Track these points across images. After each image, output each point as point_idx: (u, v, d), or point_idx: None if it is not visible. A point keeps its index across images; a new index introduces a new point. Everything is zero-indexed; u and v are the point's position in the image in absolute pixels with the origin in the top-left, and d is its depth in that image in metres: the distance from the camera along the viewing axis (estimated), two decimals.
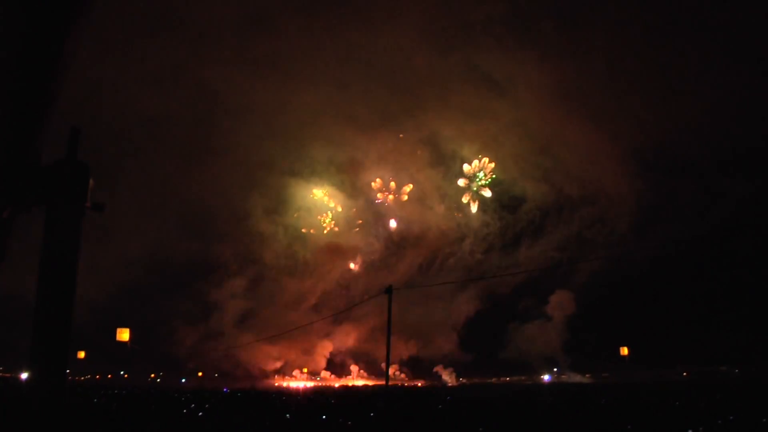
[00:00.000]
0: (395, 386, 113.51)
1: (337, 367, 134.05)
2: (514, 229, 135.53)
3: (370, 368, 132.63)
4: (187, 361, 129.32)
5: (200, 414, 52.20)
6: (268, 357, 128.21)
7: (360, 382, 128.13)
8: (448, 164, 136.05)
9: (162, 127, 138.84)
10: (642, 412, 50.49)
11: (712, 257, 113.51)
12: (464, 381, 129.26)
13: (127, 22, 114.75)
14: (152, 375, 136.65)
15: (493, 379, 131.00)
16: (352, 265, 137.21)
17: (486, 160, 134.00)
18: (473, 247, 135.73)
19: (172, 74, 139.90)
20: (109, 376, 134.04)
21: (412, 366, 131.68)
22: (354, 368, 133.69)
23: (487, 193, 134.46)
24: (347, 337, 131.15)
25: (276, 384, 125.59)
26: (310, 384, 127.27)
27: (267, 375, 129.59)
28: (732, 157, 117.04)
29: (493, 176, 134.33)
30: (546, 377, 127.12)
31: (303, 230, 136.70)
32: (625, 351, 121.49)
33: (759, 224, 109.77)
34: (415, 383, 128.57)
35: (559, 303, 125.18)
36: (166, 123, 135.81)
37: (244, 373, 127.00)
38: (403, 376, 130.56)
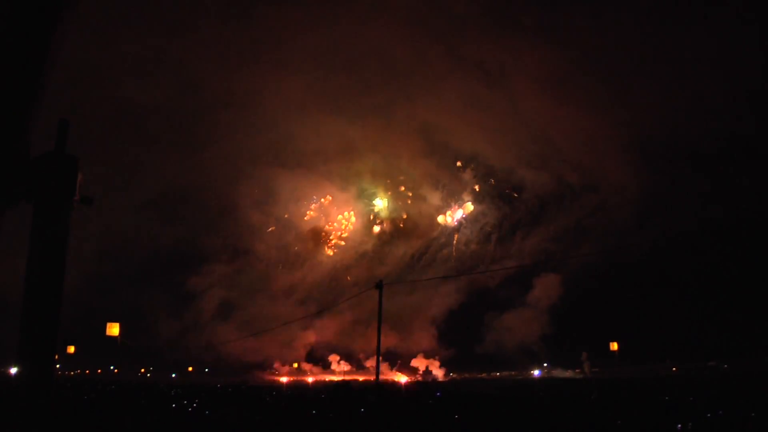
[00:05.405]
0: (385, 381, 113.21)
1: (317, 359, 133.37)
2: (510, 219, 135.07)
3: (351, 360, 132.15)
4: (172, 355, 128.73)
5: (190, 409, 52.06)
6: (249, 350, 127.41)
7: (340, 377, 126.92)
8: (441, 153, 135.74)
9: (145, 117, 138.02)
10: (632, 408, 50.68)
11: (705, 252, 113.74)
12: (454, 376, 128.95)
13: (111, 13, 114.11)
14: (142, 369, 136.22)
15: (483, 374, 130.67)
16: (330, 253, 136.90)
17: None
18: (467, 238, 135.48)
19: (156, 66, 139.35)
20: (99, 371, 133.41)
21: (391, 359, 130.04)
22: (334, 361, 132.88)
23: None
24: (328, 330, 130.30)
25: (267, 378, 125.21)
26: (293, 377, 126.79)
27: (249, 368, 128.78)
28: (734, 148, 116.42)
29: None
30: (536, 372, 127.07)
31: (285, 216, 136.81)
32: (614, 346, 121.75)
33: (755, 219, 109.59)
34: (404, 378, 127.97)
35: (547, 294, 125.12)
36: (149, 113, 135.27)
37: (226, 366, 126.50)
38: (394, 371, 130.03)
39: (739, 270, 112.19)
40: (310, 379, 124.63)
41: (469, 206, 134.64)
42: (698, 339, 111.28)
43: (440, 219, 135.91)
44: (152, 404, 56.16)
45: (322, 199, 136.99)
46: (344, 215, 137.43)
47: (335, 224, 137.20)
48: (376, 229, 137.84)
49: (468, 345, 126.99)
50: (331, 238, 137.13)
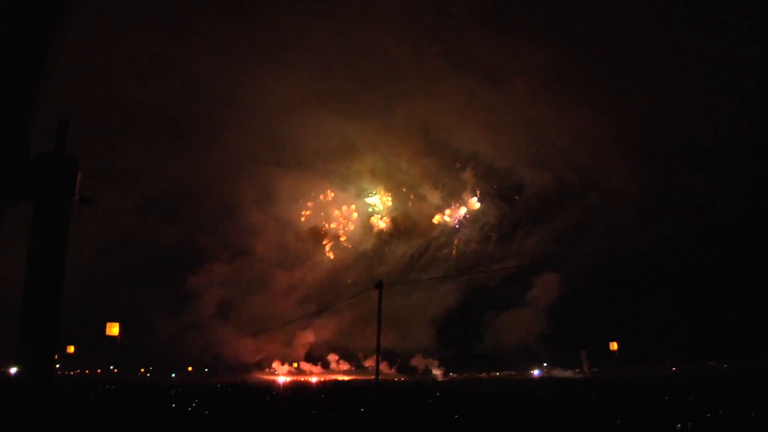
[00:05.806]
0: (385, 381, 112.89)
1: (316, 359, 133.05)
2: (510, 219, 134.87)
3: (350, 360, 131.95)
4: (172, 355, 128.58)
5: (190, 409, 52.03)
6: (249, 350, 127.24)
7: (339, 376, 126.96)
8: (441, 153, 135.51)
9: (146, 118, 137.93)
10: (631, 407, 50.67)
11: (705, 252, 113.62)
12: (454, 376, 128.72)
13: (111, 13, 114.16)
14: (142, 369, 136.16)
15: (483, 374, 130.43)
16: (331, 256, 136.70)
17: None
18: (467, 237, 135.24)
19: (156, 66, 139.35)
20: (99, 371, 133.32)
21: (390, 359, 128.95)
22: (333, 361, 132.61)
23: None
24: (328, 329, 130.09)
25: (266, 378, 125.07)
26: (292, 377, 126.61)
27: (248, 368, 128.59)
28: (734, 148, 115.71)
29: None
30: (536, 372, 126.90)
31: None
32: (614, 346, 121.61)
33: (755, 219, 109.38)
34: (403, 378, 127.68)
35: (546, 294, 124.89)
36: (149, 113, 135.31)
37: (224, 366, 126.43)
38: (394, 371, 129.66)
39: (739, 270, 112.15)
40: (309, 379, 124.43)
41: (474, 202, 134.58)
42: (698, 339, 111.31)
43: (436, 219, 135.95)
44: (152, 404, 56.14)
45: (321, 196, 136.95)
46: (342, 210, 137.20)
47: (334, 224, 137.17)
48: (381, 223, 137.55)
49: (467, 345, 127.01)
50: (324, 243, 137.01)
